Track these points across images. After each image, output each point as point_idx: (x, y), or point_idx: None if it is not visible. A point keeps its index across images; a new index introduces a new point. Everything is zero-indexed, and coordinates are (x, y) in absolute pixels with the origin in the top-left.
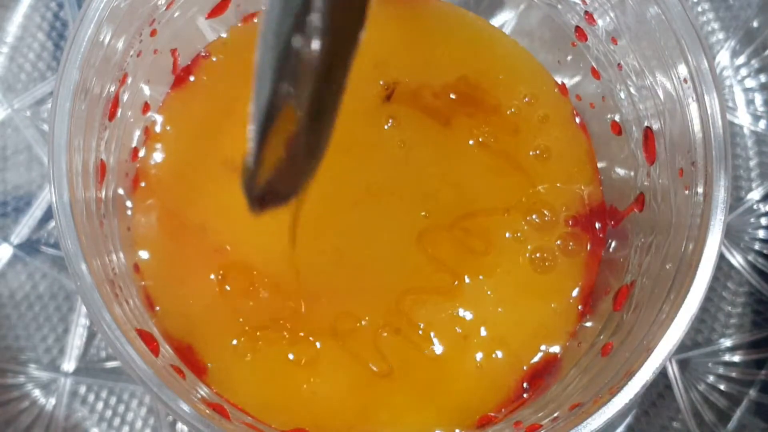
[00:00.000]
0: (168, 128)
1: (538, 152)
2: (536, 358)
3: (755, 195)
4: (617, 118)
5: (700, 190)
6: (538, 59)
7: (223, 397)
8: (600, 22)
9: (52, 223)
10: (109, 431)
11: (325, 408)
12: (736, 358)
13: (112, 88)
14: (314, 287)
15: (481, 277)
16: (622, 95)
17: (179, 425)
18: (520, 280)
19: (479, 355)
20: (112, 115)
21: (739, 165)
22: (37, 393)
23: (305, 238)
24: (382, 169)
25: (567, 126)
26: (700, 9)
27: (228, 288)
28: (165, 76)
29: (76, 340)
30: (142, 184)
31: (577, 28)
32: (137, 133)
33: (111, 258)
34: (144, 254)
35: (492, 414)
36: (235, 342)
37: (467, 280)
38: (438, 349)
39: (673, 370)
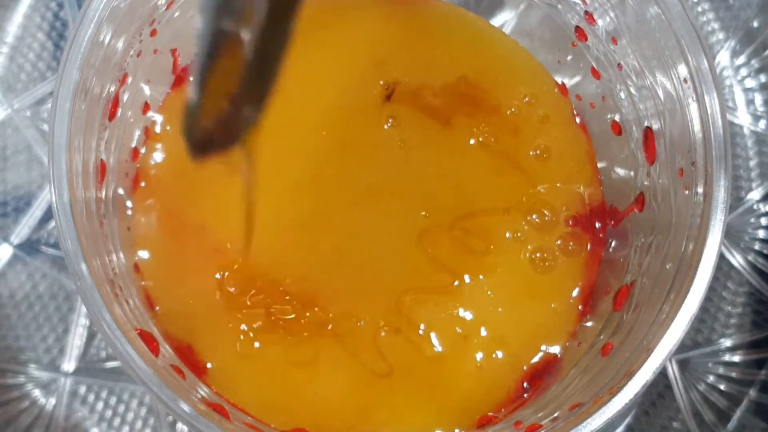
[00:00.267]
0: (168, 128)
1: (538, 152)
2: (536, 358)
3: (755, 195)
4: (617, 118)
5: (700, 190)
6: (538, 59)
7: (223, 397)
8: (600, 22)
9: (52, 223)
10: (109, 431)
11: (325, 408)
12: (736, 358)
13: (112, 88)
14: (314, 287)
15: (481, 277)
16: (622, 95)
17: (179, 425)
18: (520, 280)
19: (479, 355)
20: (112, 115)
21: (739, 165)
22: (37, 393)
23: (305, 237)
24: (382, 169)
25: (567, 126)
26: (700, 9)
27: (228, 288)
28: (165, 76)
29: (76, 340)
30: (142, 184)
31: (577, 28)
32: (137, 133)
33: (111, 258)
34: (144, 254)
35: (492, 414)
36: (235, 342)
37: (467, 280)
38: (438, 349)
39: (673, 370)
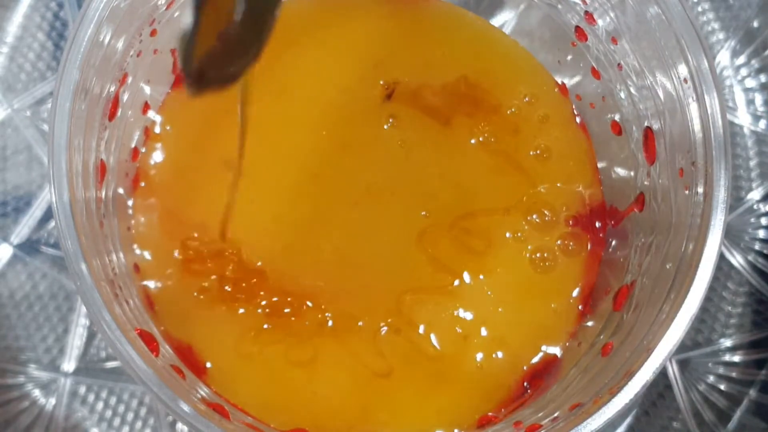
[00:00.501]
0: (168, 128)
1: (538, 152)
2: (536, 358)
3: (755, 195)
4: (617, 118)
5: (700, 190)
6: (538, 59)
7: (223, 397)
8: (600, 22)
9: (52, 223)
10: (109, 431)
11: (325, 408)
12: (736, 358)
13: (112, 88)
14: (314, 287)
15: (481, 277)
16: (622, 95)
17: (179, 425)
18: (521, 280)
19: (479, 355)
20: (112, 115)
21: (739, 165)
22: (37, 393)
23: (305, 238)
24: (382, 168)
25: (567, 126)
26: (700, 9)
27: (228, 288)
28: (165, 76)
29: (76, 340)
30: (142, 184)
31: (577, 28)
32: (137, 133)
33: (111, 258)
34: (144, 254)
35: (492, 414)
36: (235, 342)
37: (467, 280)
38: (438, 349)
39: (673, 370)
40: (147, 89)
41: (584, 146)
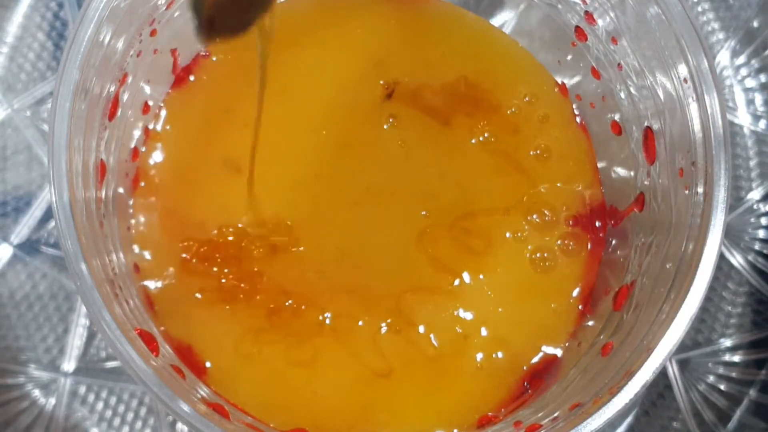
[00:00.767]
0: (168, 128)
1: (538, 152)
2: (536, 358)
3: (755, 195)
4: (617, 118)
5: (700, 190)
6: (538, 59)
7: (223, 397)
8: (600, 22)
9: (52, 223)
10: (109, 431)
11: (325, 408)
12: (736, 358)
13: (112, 88)
14: (314, 287)
15: (481, 277)
16: (622, 95)
17: (179, 425)
18: (521, 280)
19: (479, 356)
20: (112, 115)
21: (739, 165)
22: (37, 393)
23: (305, 237)
24: (383, 168)
25: (567, 126)
26: (700, 9)
27: (228, 288)
28: (165, 76)
29: (76, 340)
30: (142, 184)
31: (577, 28)
32: (137, 133)
33: (111, 258)
34: (144, 254)
35: (492, 414)
36: (235, 342)
37: (467, 280)
38: (438, 349)
39: (673, 370)
40: (147, 89)
41: (584, 146)
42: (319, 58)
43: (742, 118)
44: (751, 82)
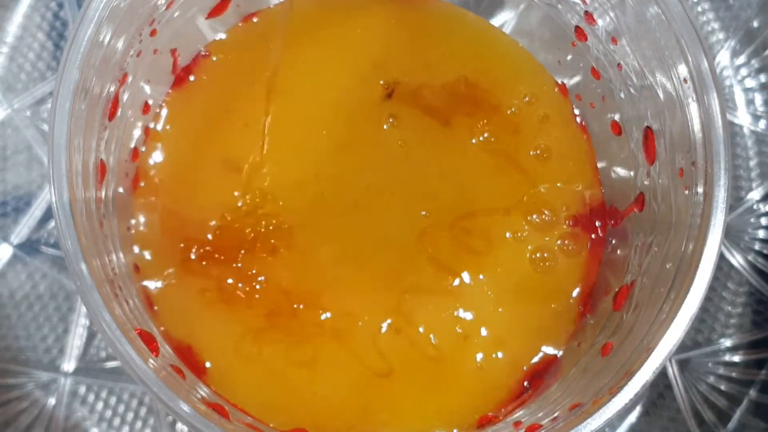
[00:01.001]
0: (168, 128)
1: (538, 152)
2: (536, 359)
3: (755, 195)
4: (617, 118)
5: (700, 190)
6: (538, 59)
7: (223, 397)
8: (600, 22)
9: (52, 223)
10: (109, 431)
11: (325, 408)
12: (736, 358)
13: (112, 88)
14: (314, 287)
15: (481, 277)
16: (622, 95)
17: (179, 425)
18: (521, 280)
19: (479, 356)
20: (112, 115)
21: (739, 165)
22: (37, 393)
23: (306, 237)
24: (382, 168)
25: (567, 126)
26: (700, 9)
27: (228, 287)
28: (165, 76)
29: (76, 340)
30: (142, 184)
31: (577, 28)
32: (137, 133)
33: (111, 258)
34: (144, 254)
35: (492, 414)
36: (235, 342)
37: (467, 280)
38: (438, 349)
39: (673, 370)
40: (147, 89)
41: (584, 146)
42: (319, 58)
43: (742, 118)
44: (751, 82)
